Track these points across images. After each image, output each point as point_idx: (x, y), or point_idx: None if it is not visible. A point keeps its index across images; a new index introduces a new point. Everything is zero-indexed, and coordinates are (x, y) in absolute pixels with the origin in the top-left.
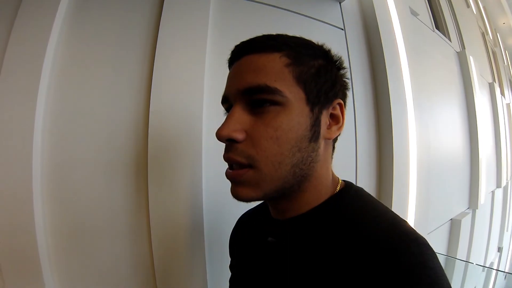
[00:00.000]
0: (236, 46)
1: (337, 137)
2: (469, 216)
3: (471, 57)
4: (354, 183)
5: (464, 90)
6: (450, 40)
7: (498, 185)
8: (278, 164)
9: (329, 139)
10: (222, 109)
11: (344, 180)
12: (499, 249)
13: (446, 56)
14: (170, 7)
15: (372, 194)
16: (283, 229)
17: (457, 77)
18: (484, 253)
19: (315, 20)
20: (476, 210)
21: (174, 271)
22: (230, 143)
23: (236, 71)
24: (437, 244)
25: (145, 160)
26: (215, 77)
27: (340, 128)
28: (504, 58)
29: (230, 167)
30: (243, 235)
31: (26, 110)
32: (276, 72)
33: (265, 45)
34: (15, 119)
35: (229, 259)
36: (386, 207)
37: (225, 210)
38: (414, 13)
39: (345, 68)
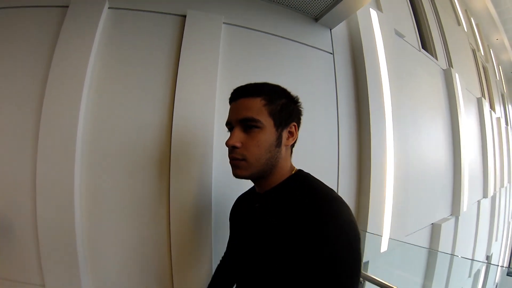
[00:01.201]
0: (235, 90)
1: (293, 143)
2: (451, 222)
3: (456, 74)
4: (336, 185)
5: (449, 105)
6: (436, 58)
7: (485, 195)
8: (258, 159)
9: (287, 145)
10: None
11: (298, 169)
12: (487, 258)
13: (432, 73)
14: (189, 34)
15: (353, 195)
16: (264, 198)
17: (442, 93)
18: (470, 260)
19: (307, 46)
20: (459, 217)
21: (186, 244)
22: (233, 148)
23: (235, 107)
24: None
25: (168, 156)
26: (224, 92)
27: (294, 139)
28: (497, 73)
29: (232, 159)
30: (240, 206)
31: (70, 118)
32: (258, 109)
33: (251, 92)
34: (62, 124)
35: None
36: (322, 182)
37: (227, 194)
38: (400, 35)
39: (299, 102)
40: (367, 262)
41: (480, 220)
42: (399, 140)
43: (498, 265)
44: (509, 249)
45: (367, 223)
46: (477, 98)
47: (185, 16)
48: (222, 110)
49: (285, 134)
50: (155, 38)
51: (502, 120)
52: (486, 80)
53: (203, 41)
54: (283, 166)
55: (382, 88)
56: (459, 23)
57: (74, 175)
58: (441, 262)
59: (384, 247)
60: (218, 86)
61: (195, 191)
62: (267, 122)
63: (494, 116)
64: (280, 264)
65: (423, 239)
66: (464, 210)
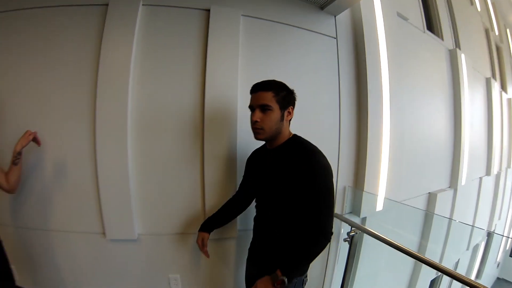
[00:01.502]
0: (254, 86)
1: (291, 119)
2: (448, 193)
3: (462, 55)
4: (337, 150)
5: (453, 83)
6: (442, 39)
7: (488, 173)
8: (270, 128)
9: (287, 120)
10: (246, 98)
11: (294, 134)
12: (489, 234)
13: (436, 53)
14: (214, 26)
15: (352, 161)
16: (273, 151)
17: (446, 72)
18: (469, 234)
19: (313, 32)
20: (457, 190)
21: (216, 185)
22: (255, 122)
23: (255, 97)
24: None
25: (201, 123)
26: (244, 75)
27: (291, 116)
28: None
29: (255, 128)
30: (256, 155)
31: (120, 104)
32: (269, 99)
33: (265, 88)
34: (114, 107)
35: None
36: (308, 141)
37: (247, 150)
38: (403, 18)
39: (294, 93)
40: (365, 218)
41: (481, 196)
42: (395, 115)
43: (502, 235)
44: None
45: (364, 184)
46: (486, 78)
47: (209, 10)
48: (243, 89)
49: (286, 113)
50: (184, 29)
51: None
52: (499, 60)
53: (225, 31)
54: (284, 133)
55: (380, 68)
56: (472, 2)
57: (127, 139)
58: (438, 226)
59: (379, 206)
60: (240, 70)
61: (224, 150)
62: (275, 106)
63: (505, 96)
64: (285, 185)
65: (419, 206)
66: (462, 184)
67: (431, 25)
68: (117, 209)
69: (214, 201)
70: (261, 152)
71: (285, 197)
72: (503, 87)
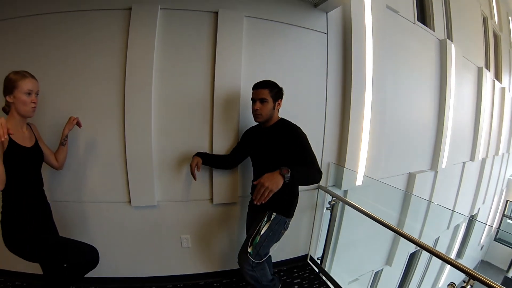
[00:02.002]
0: (255, 84)
1: (279, 108)
2: (428, 174)
3: (452, 45)
4: (323, 130)
5: (440, 72)
6: (433, 29)
7: (472, 159)
8: (266, 114)
9: (277, 108)
10: (248, 86)
11: (281, 117)
12: (472, 217)
13: (425, 43)
14: (222, 26)
15: (335, 140)
16: (267, 129)
17: (434, 61)
18: (450, 214)
19: (305, 29)
20: (437, 172)
21: None
22: (256, 110)
23: (256, 92)
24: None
25: (211, 108)
26: (246, 68)
27: (280, 106)
28: None
29: (255, 114)
30: (251, 132)
31: (145, 93)
32: (266, 94)
33: (263, 86)
34: (140, 94)
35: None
36: (292, 122)
37: (246, 127)
38: (394, 10)
39: (282, 89)
40: (347, 191)
41: (464, 180)
42: (377, 102)
43: (486, 223)
44: (499, 215)
45: (345, 162)
46: (478, 67)
47: (217, 12)
48: (245, 78)
49: (276, 104)
50: (196, 29)
51: (507, 90)
52: (496, 49)
53: (231, 30)
54: (275, 117)
55: (365, 58)
56: None
57: (151, 123)
58: (417, 205)
59: (359, 181)
60: (243, 63)
61: (228, 128)
62: (270, 99)
63: (499, 86)
64: (278, 151)
65: (399, 185)
66: (443, 167)
67: (424, 16)
68: (141, 181)
69: (220, 170)
70: (257, 130)
71: (278, 159)
72: (497, 77)
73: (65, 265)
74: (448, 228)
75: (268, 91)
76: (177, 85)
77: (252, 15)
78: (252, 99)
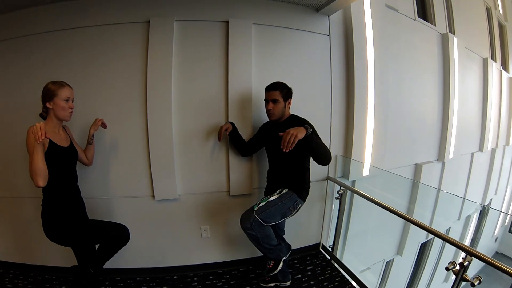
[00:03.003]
0: (267, 86)
1: (290, 106)
2: (435, 165)
3: (454, 38)
4: (329, 123)
5: (443, 64)
6: (434, 24)
7: (480, 149)
8: (278, 113)
9: (288, 107)
10: (259, 88)
11: (291, 113)
12: (484, 208)
13: (426, 38)
14: (232, 35)
15: (342, 133)
16: (281, 123)
17: (436, 54)
18: (460, 204)
19: (309, 32)
20: (445, 163)
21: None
22: (269, 110)
23: (268, 94)
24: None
25: (226, 108)
26: (256, 71)
27: (290, 104)
28: None
29: (269, 113)
30: (267, 126)
31: (166, 96)
32: (277, 95)
33: (275, 88)
34: (160, 98)
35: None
36: (301, 117)
37: (259, 124)
38: (393, 9)
39: (291, 89)
40: (355, 181)
41: (473, 171)
42: (380, 97)
43: (501, 210)
44: None
45: (351, 154)
46: (483, 58)
47: (227, 22)
48: (256, 81)
49: (287, 103)
50: (209, 38)
51: None
52: (502, 39)
53: (241, 37)
54: (286, 113)
55: (366, 56)
56: None
57: (172, 124)
58: (426, 194)
59: (366, 172)
60: (253, 66)
61: (242, 126)
62: (281, 99)
63: (506, 75)
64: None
65: (406, 176)
66: (450, 158)
67: (425, 11)
68: (164, 176)
69: (236, 164)
70: (272, 124)
71: (291, 151)
72: (505, 67)
73: (103, 242)
74: (459, 219)
75: (279, 92)
76: (194, 89)
77: (259, 22)
78: (265, 100)
